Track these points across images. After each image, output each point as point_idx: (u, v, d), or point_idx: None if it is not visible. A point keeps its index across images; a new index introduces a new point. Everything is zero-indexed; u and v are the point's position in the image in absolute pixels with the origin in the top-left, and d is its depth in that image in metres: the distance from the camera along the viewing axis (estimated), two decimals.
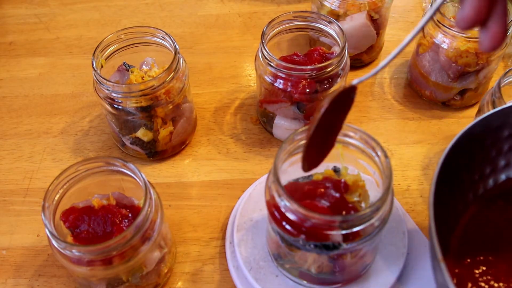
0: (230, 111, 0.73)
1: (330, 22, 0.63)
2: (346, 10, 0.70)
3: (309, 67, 0.59)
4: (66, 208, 0.50)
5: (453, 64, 0.65)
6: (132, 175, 0.50)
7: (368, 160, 0.48)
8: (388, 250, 0.53)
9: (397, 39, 0.82)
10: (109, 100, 0.59)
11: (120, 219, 0.49)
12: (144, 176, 0.49)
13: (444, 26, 0.64)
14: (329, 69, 0.59)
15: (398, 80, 0.76)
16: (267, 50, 0.60)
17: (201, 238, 0.59)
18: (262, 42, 0.61)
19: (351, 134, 0.48)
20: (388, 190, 0.43)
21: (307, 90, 0.60)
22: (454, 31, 0.63)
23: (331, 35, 0.64)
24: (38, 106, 0.74)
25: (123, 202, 0.52)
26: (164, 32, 0.62)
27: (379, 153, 0.46)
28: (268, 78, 0.62)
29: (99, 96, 0.60)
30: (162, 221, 0.50)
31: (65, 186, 0.50)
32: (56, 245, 0.46)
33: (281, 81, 0.61)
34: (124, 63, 0.63)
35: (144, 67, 0.64)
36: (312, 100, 0.61)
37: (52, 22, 0.87)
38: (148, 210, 0.47)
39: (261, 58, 0.62)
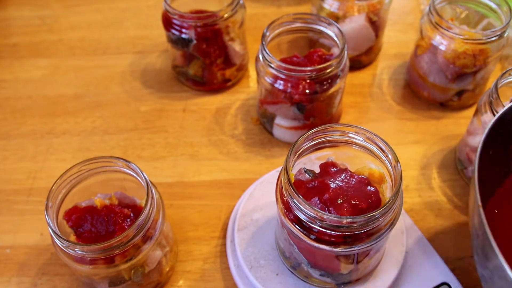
0: (231, 112, 0.73)
1: (329, 24, 0.64)
2: (345, 12, 0.71)
3: (308, 68, 0.60)
4: (69, 207, 0.51)
5: (451, 66, 0.66)
6: (134, 175, 0.50)
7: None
8: (387, 249, 0.54)
9: (395, 40, 0.82)
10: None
11: (122, 218, 0.50)
12: (146, 175, 0.49)
13: (442, 28, 0.64)
14: (328, 70, 0.60)
15: (396, 81, 0.76)
16: (267, 51, 0.61)
17: (202, 237, 0.60)
18: (263, 43, 0.61)
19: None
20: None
21: (307, 91, 0.60)
22: (452, 32, 0.63)
23: (331, 37, 0.64)
24: (42, 107, 0.75)
25: (125, 201, 0.53)
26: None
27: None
28: (268, 79, 0.62)
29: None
30: (164, 220, 0.51)
31: (68, 186, 0.51)
32: (59, 244, 0.47)
33: (281, 82, 0.61)
34: (304, 169, 0.51)
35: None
36: (312, 100, 0.62)
37: (55, 24, 0.88)
38: (150, 210, 0.48)
39: (261, 60, 0.62)
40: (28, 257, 0.59)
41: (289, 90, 0.61)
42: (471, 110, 0.71)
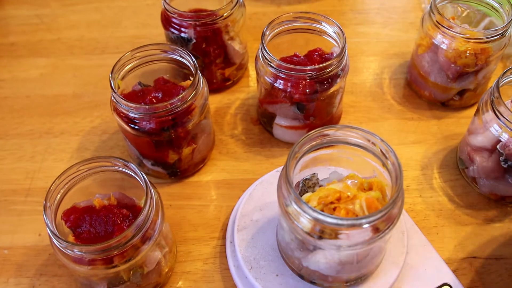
0: (230, 112, 0.73)
1: (330, 23, 0.64)
2: None
3: (309, 67, 0.59)
4: (67, 207, 0.51)
5: (452, 65, 0.65)
6: (133, 175, 0.50)
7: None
8: (388, 250, 0.54)
9: (396, 40, 0.82)
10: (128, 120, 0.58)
11: (121, 218, 0.50)
12: (145, 176, 0.49)
13: (443, 26, 0.64)
14: (328, 70, 0.60)
15: (397, 81, 0.76)
16: (267, 50, 0.60)
17: (202, 238, 0.59)
18: (262, 42, 0.61)
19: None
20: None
21: (307, 90, 0.60)
22: (453, 31, 0.63)
23: (331, 36, 0.64)
24: (40, 107, 0.74)
25: (124, 202, 0.52)
26: (182, 50, 0.60)
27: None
28: (268, 79, 0.62)
29: (120, 116, 0.58)
30: (163, 221, 0.51)
31: (66, 186, 0.50)
32: (57, 245, 0.47)
33: (281, 81, 0.61)
34: (139, 82, 0.62)
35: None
36: (312, 100, 0.61)
37: (54, 23, 0.87)
38: (148, 210, 0.48)
39: (261, 59, 0.62)
40: (26, 258, 0.58)
41: (289, 89, 0.61)
42: (473, 110, 0.71)
